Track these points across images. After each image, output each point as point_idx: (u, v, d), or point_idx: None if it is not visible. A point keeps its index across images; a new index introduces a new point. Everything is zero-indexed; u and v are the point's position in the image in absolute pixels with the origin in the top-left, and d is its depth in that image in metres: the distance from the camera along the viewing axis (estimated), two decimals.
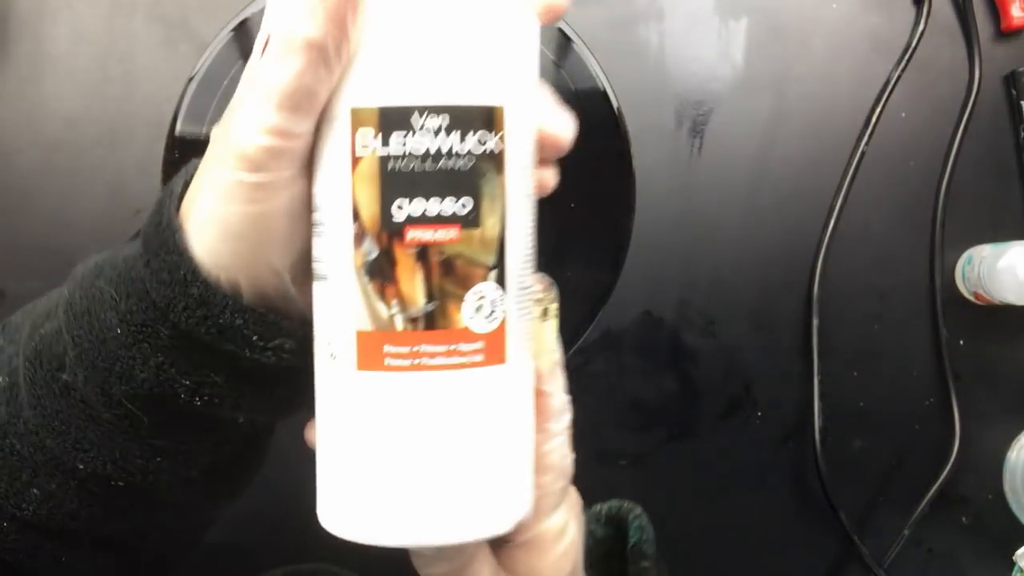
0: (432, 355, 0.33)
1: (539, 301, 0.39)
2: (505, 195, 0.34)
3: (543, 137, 0.36)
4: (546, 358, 0.39)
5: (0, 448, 0.40)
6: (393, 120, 0.33)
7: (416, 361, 0.33)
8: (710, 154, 0.79)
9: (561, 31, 0.73)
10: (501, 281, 0.34)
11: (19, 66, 0.72)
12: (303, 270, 0.36)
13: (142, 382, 0.37)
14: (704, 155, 0.79)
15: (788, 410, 0.81)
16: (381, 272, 0.33)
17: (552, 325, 0.40)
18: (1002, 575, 0.78)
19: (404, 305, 0.33)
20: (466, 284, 0.34)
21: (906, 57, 0.79)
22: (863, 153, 0.79)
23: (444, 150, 0.33)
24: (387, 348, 0.33)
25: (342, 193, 0.33)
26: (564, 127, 0.37)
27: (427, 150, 0.33)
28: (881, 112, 0.79)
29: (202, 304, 0.35)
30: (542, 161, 0.37)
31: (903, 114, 0.80)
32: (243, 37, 0.70)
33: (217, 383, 0.37)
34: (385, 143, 0.33)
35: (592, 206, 0.74)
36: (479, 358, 0.34)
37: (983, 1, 0.80)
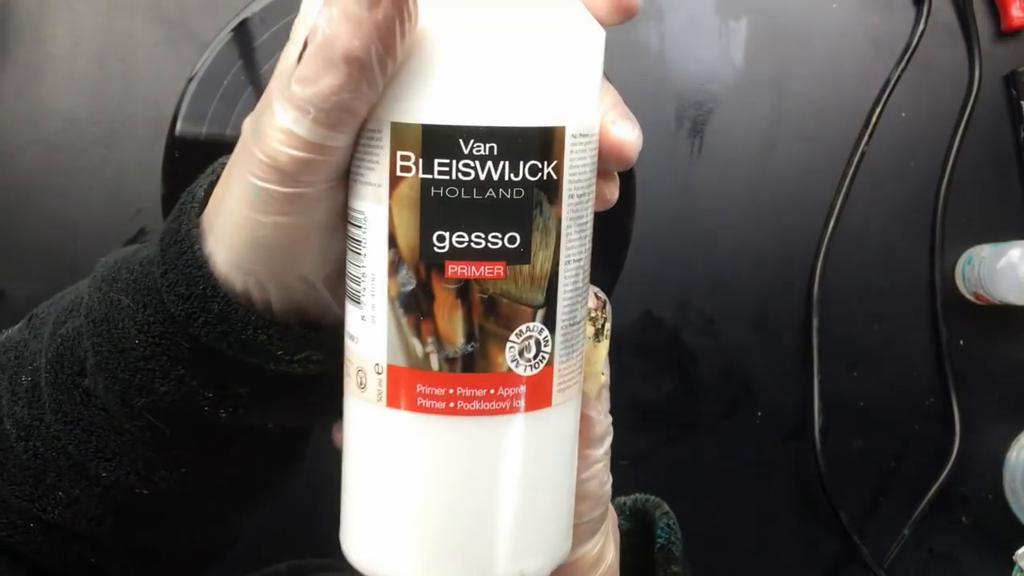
0: (470, 399, 0.31)
1: (592, 320, 0.36)
2: (559, 227, 0.31)
3: (605, 148, 0.32)
4: (594, 382, 0.36)
5: (24, 450, 0.38)
6: (438, 141, 0.29)
7: (452, 404, 0.31)
8: (710, 154, 0.79)
9: None
10: (550, 321, 0.31)
11: (19, 66, 0.72)
12: (339, 278, 0.33)
13: (163, 395, 0.35)
14: (704, 155, 0.79)
15: (788, 410, 0.81)
16: (417, 306, 0.30)
17: (604, 346, 0.37)
18: (1002, 575, 0.78)
19: (441, 344, 0.30)
20: (510, 325, 0.31)
21: (906, 57, 0.79)
22: (863, 153, 0.79)
23: (494, 178, 0.29)
24: (420, 388, 0.31)
25: (378, 215, 0.30)
26: (629, 137, 0.32)
27: (474, 177, 0.29)
28: (881, 112, 0.79)
29: (223, 320, 0.33)
30: (603, 173, 0.33)
31: (903, 114, 0.80)
32: (243, 37, 0.70)
33: (242, 395, 0.35)
34: (428, 167, 0.29)
35: None
36: (521, 403, 0.31)
37: (983, 1, 0.80)
